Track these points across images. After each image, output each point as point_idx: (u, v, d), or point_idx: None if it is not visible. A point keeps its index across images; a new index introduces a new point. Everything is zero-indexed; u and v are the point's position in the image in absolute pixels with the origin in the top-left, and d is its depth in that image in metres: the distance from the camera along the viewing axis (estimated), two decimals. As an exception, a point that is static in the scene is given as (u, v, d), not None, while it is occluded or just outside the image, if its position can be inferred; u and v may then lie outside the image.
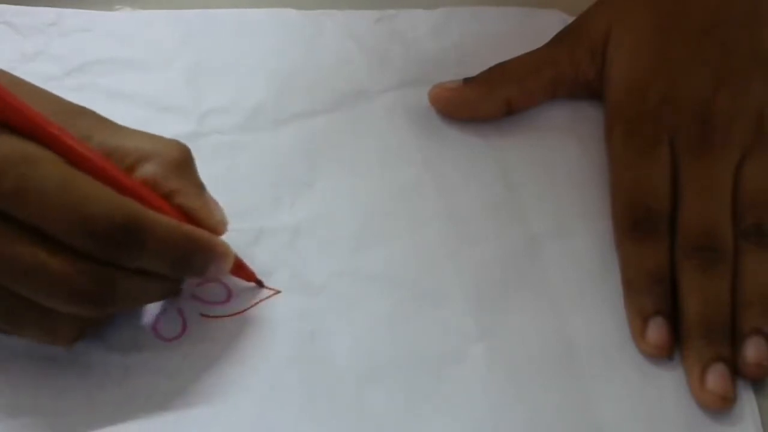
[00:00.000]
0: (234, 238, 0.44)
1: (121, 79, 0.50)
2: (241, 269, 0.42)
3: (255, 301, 0.42)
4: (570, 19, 0.52)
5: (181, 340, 0.41)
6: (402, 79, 0.51)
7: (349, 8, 0.54)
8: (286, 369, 0.40)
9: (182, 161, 0.40)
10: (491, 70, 0.49)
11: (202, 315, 0.42)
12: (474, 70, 0.49)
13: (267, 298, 0.42)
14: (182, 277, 0.41)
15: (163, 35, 0.52)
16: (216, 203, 0.41)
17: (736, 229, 0.43)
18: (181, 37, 0.52)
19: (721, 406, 0.39)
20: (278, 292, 0.43)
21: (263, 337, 0.41)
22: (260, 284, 0.43)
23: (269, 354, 0.41)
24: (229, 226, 0.44)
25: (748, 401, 0.40)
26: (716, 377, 0.39)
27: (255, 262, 0.43)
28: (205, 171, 0.46)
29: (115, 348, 0.40)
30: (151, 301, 0.41)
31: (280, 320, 0.42)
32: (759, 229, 0.43)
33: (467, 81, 0.48)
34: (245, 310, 0.42)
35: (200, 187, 0.41)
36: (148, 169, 0.39)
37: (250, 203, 0.46)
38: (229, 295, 0.42)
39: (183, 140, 0.47)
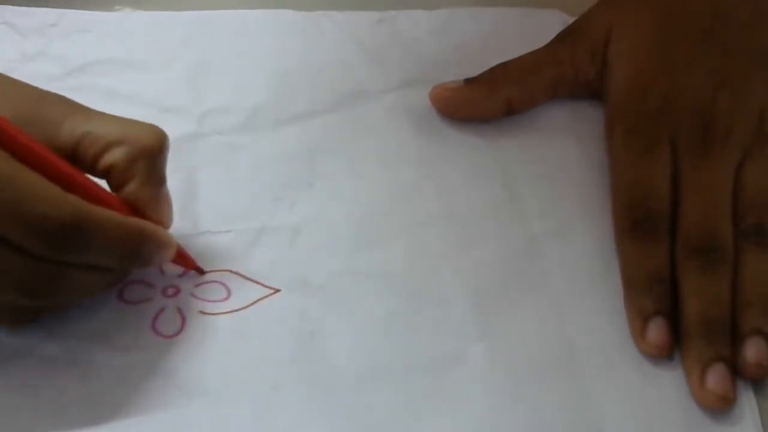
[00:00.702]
0: (234, 238, 0.44)
1: (121, 79, 0.50)
2: (182, 257, 0.42)
3: (254, 299, 0.42)
4: (570, 20, 0.52)
5: (181, 338, 0.41)
6: (402, 79, 0.51)
7: (349, 9, 0.54)
8: (286, 368, 0.40)
9: (151, 149, 0.40)
10: (492, 70, 0.49)
11: (202, 313, 0.42)
12: (474, 71, 0.49)
13: (266, 296, 0.42)
14: (128, 267, 0.41)
15: (164, 36, 0.52)
16: (169, 199, 0.41)
17: (737, 229, 0.43)
18: (182, 37, 0.52)
19: (721, 406, 0.39)
20: (278, 290, 0.43)
21: (263, 335, 0.41)
22: (200, 271, 0.43)
23: (269, 353, 0.41)
24: (230, 226, 0.44)
25: (748, 401, 0.40)
26: (716, 377, 0.39)
27: (255, 261, 0.43)
28: (205, 171, 0.47)
29: (115, 347, 0.41)
30: (99, 292, 0.41)
31: (280, 319, 0.42)
32: (759, 230, 0.43)
33: (468, 81, 0.48)
34: (244, 308, 0.42)
35: (161, 179, 0.41)
36: (112, 156, 0.39)
37: (250, 203, 0.46)
38: (229, 294, 0.42)
39: (183, 141, 0.47)
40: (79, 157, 0.39)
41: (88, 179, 0.39)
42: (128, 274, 0.42)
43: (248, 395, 0.39)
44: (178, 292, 0.42)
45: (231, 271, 0.43)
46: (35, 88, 0.41)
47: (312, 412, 0.39)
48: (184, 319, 0.42)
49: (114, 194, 0.39)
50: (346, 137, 0.48)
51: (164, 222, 0.41)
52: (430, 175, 0.47)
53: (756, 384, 0.40)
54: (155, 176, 0.40)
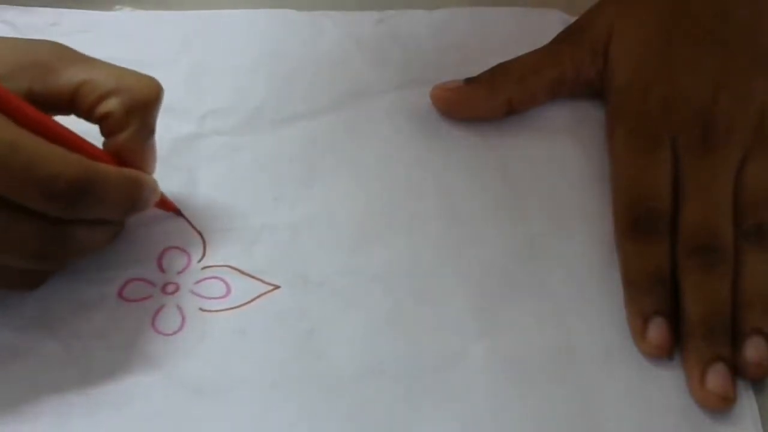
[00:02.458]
0: (234, 236, 0.44)
1: (121, 79, 0.50)
2: (163, 202, 0.44)
3: (254, 295, 0.42)
4: (570, 19, 0.52)
5: (181, 336, 0.41)
6: (402, 79, 0.51)
7: (349, 9, 0.54)
8: (286, 365, 0.40)
9: (146, 100, 0.41)
10: (493, 70, 0.49)
11: (201, 310, 0.42)
12: (474, 71, 0.49)
13: (266, 293, 0.42)
14: (123, 217, 0.43)
15: (164, 36, 0.52)
16: (155, 150, 0.42)
17: (737, 229, 0.43)
18: (182, 37, 0.52)
19: (721, 406, 0.39)
20: (277, 287, 0.43)
21: (262, 333, 0.41)
22: (178, 212, 0.44)
23: (268, 350, 0.41)
24: (230, 224, 0.44)
25: (748, 401, 0.40)
26: (716, 377, 0.39)
27: (255, 258, 0.43)
28: (205, 171, 0.47)
29: (115, 345, 0.41)
30: (105, 245, 0.42)
31: (280, 316, 0.42)
32: (760, 229, 0.43)
33: (469, 81, 0.48)
34: (244, 304, 0.42)
35: (151, 130, 0.42)
36: (108, 105, 0.40)
37: (251, 202, 0.46)
38: (228, 291, 0.43)
39: (183, 141, 0.47)
40: (76, 105, 0.40)
41: (82, 138, 0.40)
42: (123, 226, 0.43)
43: (248, 392, 0.40)
44: (177, 289, 0.42)
45: (230, 267, 0.43)
46: (33, 41, 0.42)
47: (312, 409, 0.39)
48: (183, 317, 0.42)
49: (105, 151, 0.40)
50: (346, 137, 0.48)
51: (149, 171, 0.42)
52: (431, 175, 0.47)
53: (756, 384, 0.40)
54: (146, 128, 0.41)
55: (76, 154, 0.38)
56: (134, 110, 0.40)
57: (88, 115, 0.40)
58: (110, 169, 0.39)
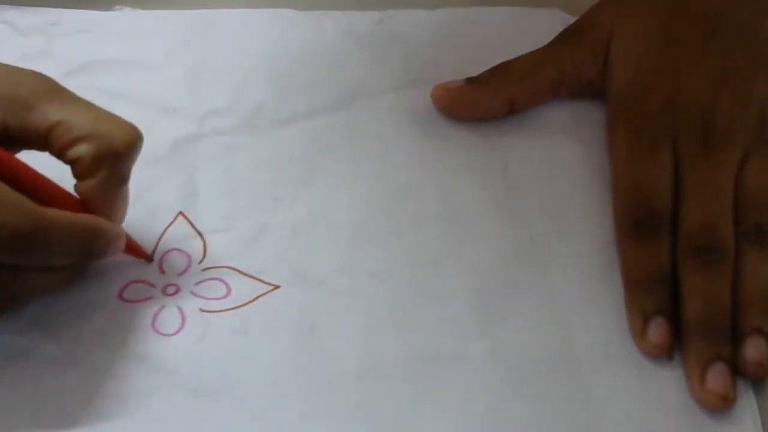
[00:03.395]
0: (234, 236, 0.44)
1: (121, 79, 0.50)
2: (131, 248, 0.42)
3: (254, 296, 0.42)
4: (571, 19, 0.52)
5: (181, 337, 0.41)
6: (402, 79, 0.51)
7: (349, 9, 0.54)
8: (286, 364, 0.40)
9: (122, 150, 0.39)
10: (493, 70, 0.49)
11: (202, 311, 0.42)
12: (474, 70, 0.49)
13: (266, 293, 0.43)
14: (81, 262, 0.41)
15: (164, 36, 0.52)
16: (126, 199, 0.41)
17: (737, 229, 0.43)
18: (182, 37, 0.52)
19: (721, 406, 0.39)
20: (277, 287, 0.43)
21: (263, 332, 0.41)
22: (148, 259, 0.43)
23: (269, 349, 0.41)
24: (230, 224, 0.44)
25: (748, 401, 0.40)
26: (716, 377, 0.39)
27: (255, 258, 0.43)
28: (205, 171, 0.47)
29: (115, 346, 0.41)
30: (58, 290, 0.41)
31: (280, 315, 0.42)
32: (760, 230, 0.43)
33: (470, 81, 0.48)
34: (244, 305, 0.42)
35: (122, 179, 0.40)
36: (80, 150, 0.39)
37: (250, 202, 0.46)
38: (229, 291, 0.43)
39: (183, 141, 0.47)
40: (49, 144, 0.39)
41: (41, 176, 0.39)
42: (84, 270, 0.42)
43: (249, 392, 0.40)
44: (178, 290, 0.42)
45: (230, 268, 0.43)
46: (11, 67, 0.41)
47: (312, 409, 0.39)
48: (184, 317, 0.42)
49: (67, 191, 0.40)
50: (346, 137, 0.48)
51: (117, 219, 0.41)
52: (431, 175, 0.47)
53: (756, 384, 0.40)
54: (116, 177, 0.40)
55: (26, 201, 0.37)
56: (105, 159, 0.39)
57: (59, 156, 0.40)
58: (60, 218, 0.38)
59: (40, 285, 0.40)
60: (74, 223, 0.39)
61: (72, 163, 0.39)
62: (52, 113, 0.39)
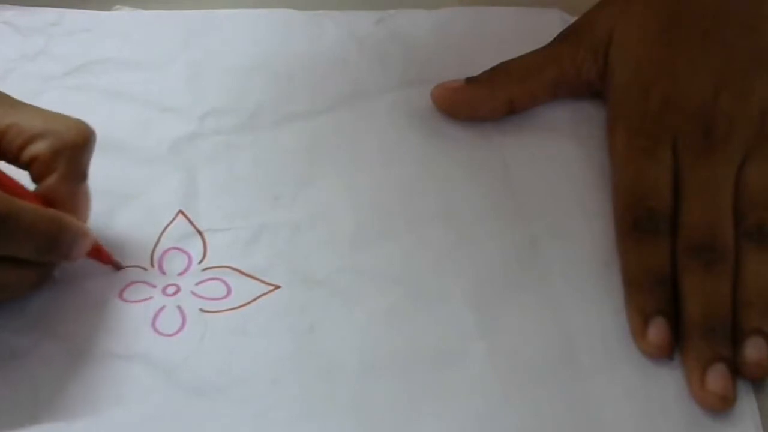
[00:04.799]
0: (234, 235, 0.44)
1: (121, 79, 0.50)
2: (98, 251, 0.42)
3: (255, 296, 0.42)
4: (571, 19, 0.52)
5: (181, 337, 0.41)
6: (402, 79, 0.51)
7: (349, 8, 0.54)
8: (286, 364, 0.40)
9: (77, 144, 0.40)
10: (493, 69, 0.49)
11: (202, 310, 0.42)
12: (475, 70, 0.49)
13: (267, 293, 0.42)
14: (48, 263, 0.41)
15: (164, 35, 0.52)
16: (88, 196, 0.41)
17: (738, 229, 0.43)
18: (182, 37, 0.52)
19: (721, 406, 0.39)
20: (278, 287, 0.43)
21: (263, 332, 0.41)
22: (117, 266, 0.43)
23: (269, 349, 0.41)
24: (230, 224, 0.44)
25: (748, 401, 0.40)
26: (716, 377, 0.39)
27: (255, 257, 0.44)
28: (205, 171, 0.47)
29: (116, 346, 0.41)
30: (22, 293, 0.41)
31: (280, 315, 0.42)
32: (760, 230, 0.43)
33: (470, 81, 0.48)
34: (245, 305, 0.42)
35: (82, 175, 0.41)
36: (35, 148, 0.39)
37: (251, 201, 0.46)
38: (229, 291, 0.43)
39: (183, 140, 0.47)
40: (3, 148, 0.40)
41: (6, 176, 0.39)
42: (51, 273, 0.42)
43: (249, 392, 0.40)
44: (178, 290, 0.42)
45: (231, 267, 0.43)
46: None
47: (312, 408, 0.39)
48: (184, 318, 0.42)
49: (31, 191, 0.40)
50: (346, 136, 0.48)
51: (80, 217, 0.41)
52: (431, 174, 0.47)
53: (756, 384, 0.40)
54: (76, 171, 0.40)
55: None
56: (61, 153, 0.39)
57: (15, 159, 0.40)
58: (26, 205, 0.38)
59: (5, 284, 0.39)
60: (40, 211, 0.39)
61: (29, 163, 0.40)
62: (2, 117, 0.40)
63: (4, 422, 0.38)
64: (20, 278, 0.40)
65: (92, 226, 0.42)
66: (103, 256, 0.43)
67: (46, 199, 0.40)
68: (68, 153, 0.40)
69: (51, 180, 0.40)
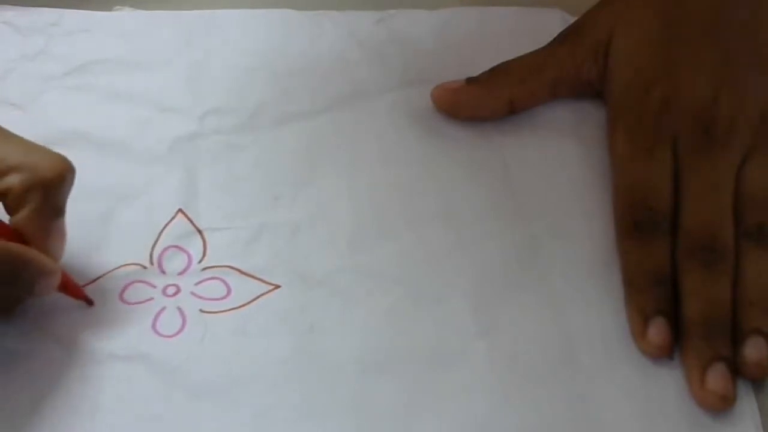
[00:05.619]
0: (234, 235, 0.44)
1: (121, 79, 0.50)
2: (67, 287, 0.41)
3: (254, 296, 0.42)
4: (571, 19, 0.52)
5: (181, 338, 0.41)
6: (402, 79, 0.51)
7: (349, 8, 0.54)
8: (286, 363, 0.40)
9: (52, 179, 0.39)
10: (493, 70, 0.49)
11: (202, 311, 0.42)
12: (475, 70, 0.49)
13: (266, 293, 0.42)
14: (11, 295, 0.40)
15: (164, 35, 0.52)
16: (62, 232, 0.41)
17: (738, 229, 0.43)
18: (182, 37, 0.52)
19: (721, 406, 0.39)
20: (278, 287, 0.43)
21: (263, 332, 0.41)
22: (89, 302, 0.42)
23: (269, 349, 0.41)
24: (230, 223, 0.44)
25: (748, 401, 0.40)
26: (716, 377, 0.39)
27: (255, 257, 0.44)
28: (205, 170, 0.47)
29: (116, 347, 0.41)
30: None
31: (280, 315, 0.42)
32: (760, 230, 0.43)
33: (470, 81, 0.48)
34: (245, 305, 0.42)
35: (57, 211, 0.40)
36: (9, 181, 0.38)
37: (251, 201, 0.46)
38: (229, 292, 0.43)
39: (183, 141, 0.47)
40: None
41: None
42: (16, 305, 0.41)
43: (249, 392, 0.40)
44: (178, 291, 0.42)
45: (230, 267, 0.43)
46: None
47: (313, 408, 0.39)
48: (184, 319, 0.42)
49: (5, 224, 0.39)
50: (346, 137, 0.48)
51: (52, 254, 0.40)
52: (431, 174, 0.47)
53: (756, 384, 0.40)
54: (48, 208, 0.39)
55: None
56: (34, 187, 0.38)
57: None
58: None
59: None
60: (4, 246, 0.38)
61: (2, 196, 0.39)
62: None
63: (4, 424, 0.38)
64: None
65: (91, 225, 0.42)
66: (75, 291, 0.42)
67: (17, 233, 0.39)
68: (41, 189, 0.39)
69: (22, 214, 0.39)
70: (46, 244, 0.40)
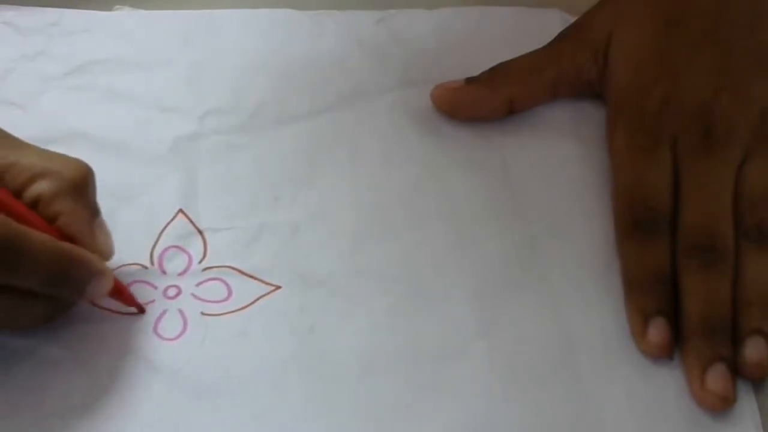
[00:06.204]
0: (235, 235, 0.44)
1: (121, 79, 0.50)
2: (121, 293, 0.41)
3: (255, 297, 0.42)
4: (571, 19, 0.52)
5: (183, 341, 0.41)
6: (402, 79, 0.51)
7: (349, 8, 0.54)
8: (287, 364, 0.40)
9: (77, 182, 0.39)
10: (493, 69, 0.49)
11: (203, 313, 0.42)
12: (475, 70, 0.49)
13: (267, 294, 0.43)
14: (62, 297, 0.39)
15: (164, 35, 0.52)
16: (105, 229, 0.41)
17: (737, 229, 0.43)
18: (182, 37, 0.52)
19: (721, 406, 0.39)
20: (278, 287, 0.43)
21: (264, 333, 0.41)
22: (141, 310, 0.42)
23: (270, 350, 0.41)
24: (230, 223, 0.44)
25: (748, 401, 0.40)
26: (716, 377, 0.39)
27: (255, 257, 0.44)
28: (205, 171, 0.47)
29: (118, 349, 0.41)
30: (32, 324, 0.40)
31: (281, 316, 0.42)
32: (760, 230, 0.43)
33: (470, 81, 0.48)
34: (246, 306, 0.42)
35: (92, 211, 0.40)
36: (38, 188, 0.39)
37: (251, 201, 0.46)
38: (230, 293, 0.43)
39: (183, 141, 0.47)
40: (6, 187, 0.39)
41: (24, 207, 0.38)
42: (64, 308, 0.40)
43: (249, 393, 0.40)
44: (179, 293, 0.42)
45: (231, 267, 0.43)
46: None
47: (313, 408, 0.39)
48: (185, 321, 0.42)
49: (50, 225, 0.39)
50: (346, 136, 0.48)
51: (102, 252, 0.40)
52: (431, 174, 0.47)
53: (756, 384, 0.40)
54: (84, 208, 0.40)
55: (2, 215, 0.36)
56: (64, 192, 0.39)
57: (18, 199, 0.39)
58: (38, 235, 0.37)
59: (11, 314, 0.38)
60: (51, 243, 0.38)
61: (33, 204, 0.39)
62: (4, 158, 0.39)
63: (6, 426, 0.38)
64: (26, 311, 0.39)
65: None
66: (127, 298, 0.42)
67: (64, 236, 0.39)
68: (70, 191, 0.39)
69: (62, 220, 0.39)
70: (93, 244, 0.40)
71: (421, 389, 0.40)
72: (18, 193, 0.39)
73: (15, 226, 0.36)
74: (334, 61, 0.51)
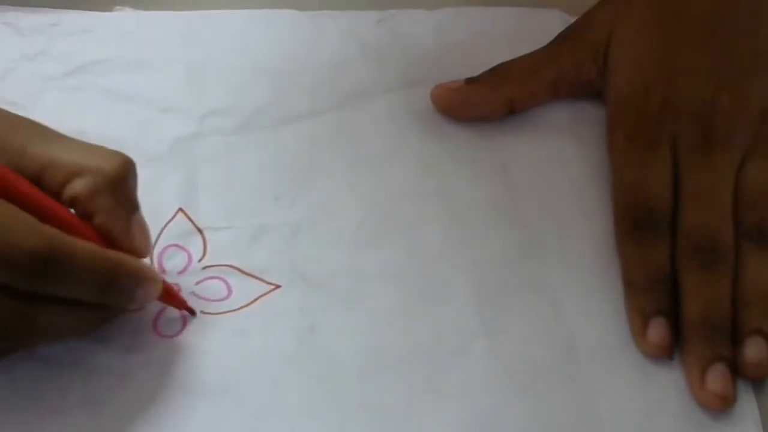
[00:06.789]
0: (235, 234, 0.44)
1: (121, 79, 0.50)
2: (170, 296, 0.41)
3: (255, 297, 0.42)
4: (571, 19, 0.52)
5: (182, 339, 0.41)
6: (403, 79, 0.51)
7: (349, 9, 0.54)
8: (287, 364, 0.40)
9: (117, 177, 0.38)
10: (493, 70, 0.49)
11: (203, 312, 0.42)
12: (475, 71, 0.49)
13: (267, 293, 0.43)
14: (112, 305, 0.39)
15: (164, 36, 0.52)
16: (143, 226, 0.40)
17: (737, 229, 0.43)
18: (182, 37, 0.52)
19: (721, 406, 0.39)
20: (278, 287, 0.43)
21: (264, 333, 0.41)
22: (191, 312, 0.42)
23: (270, 350, 0.41)
24: (230, 223, 0.44)
25: (748, 401, 0.40)
26: (716, 377, 0.39)
27: (255, 257, 0.44)
28: (205, 171, 0.47)
29: (117, 347, 0.41)
30: (81, 333, 0.40)
31: (281, 315, 0.42)
32: (760, 230, 0.43)
33: (469, 81, 0.48)
34: (245, 306, 0.42)
35: (131, 206, 0.39)
36: (77, 186, 0.38)
37: (251, 201, 0.46)
38: (229, 292, 0.43)
39: (183, 141, 0.47)
40: (43, 186, 0.38)
41: (66, 210, 0.38)
42: (114, 315, 0.40)
43: (249, 393, 0.40)
44: (179, 291, 0.42)
45: (231, 266, 0.43)
46: (4, 112, 0.39)
47: (313, 408, 0.39)
48: (185, 319, 0.42)
49: (91, 226, 0.38)
50: (346, 137, 0.48)
51: (140, 250, 0.39)
52: (431, 175, 0.47)
53: (756, 384, 0.40)
54: (122, 205, 0.39)
55: (47, 225, 0.36)
56: (102, 190, 0.38)
57: (56, 198, 0.38)
58: (84, 246, 0.36)
59: (60, 323, 0.37)
60: (98, 253, 0.37)
61: (72, 203, 0.38)
62: (40, 154, 0.38)
63: (4, 424, 0.38)
64: (72, 320, 0.38)
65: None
66: (177, 301, 0.41)
67: (102, 237, 0.38)
68: (108, 189, 0.38)
69: (99, 218, 0.38)
70: (131, 242, 0.39)
71: (422, 389, 0.40)
72: (57, 193, 0.38)
73: (61, 238, 0.36)
74: (335, 61, 0.51)
